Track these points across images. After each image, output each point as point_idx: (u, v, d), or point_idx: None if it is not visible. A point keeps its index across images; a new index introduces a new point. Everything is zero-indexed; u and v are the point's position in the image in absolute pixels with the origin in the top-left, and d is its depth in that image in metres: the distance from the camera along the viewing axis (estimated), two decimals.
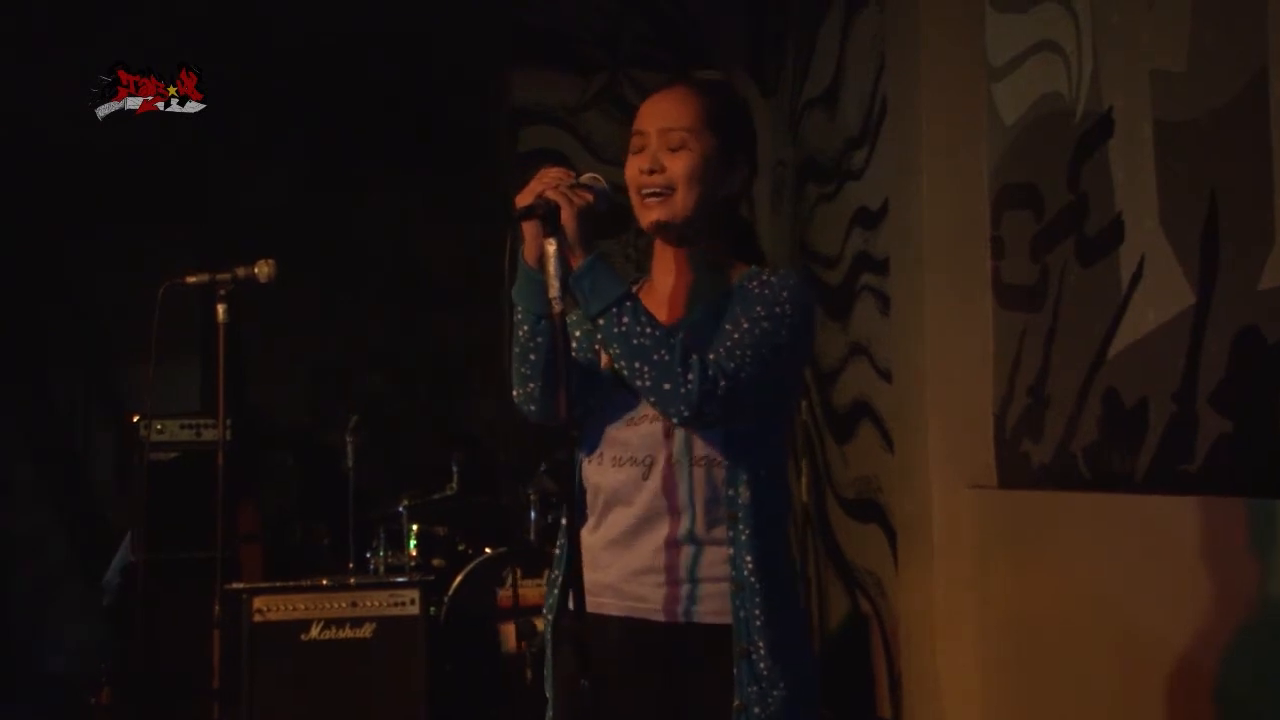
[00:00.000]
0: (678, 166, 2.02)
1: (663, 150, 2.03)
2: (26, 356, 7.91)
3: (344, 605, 4.63)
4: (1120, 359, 3.13)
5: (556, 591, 2.09)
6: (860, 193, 4.97)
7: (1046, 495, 3.52)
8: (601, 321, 1.92)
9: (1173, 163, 2.88)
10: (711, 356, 1.91)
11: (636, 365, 1.90)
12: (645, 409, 2.00)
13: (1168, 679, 2.76)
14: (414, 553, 5.49)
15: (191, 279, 3.82)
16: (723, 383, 1.89)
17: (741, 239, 2.16)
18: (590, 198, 1.94)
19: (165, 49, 5.99)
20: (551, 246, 1.90)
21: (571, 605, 1.84)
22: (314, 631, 4.59)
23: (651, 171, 2.03)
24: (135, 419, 6.16)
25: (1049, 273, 3.55)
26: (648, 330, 1.90)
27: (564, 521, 2.08)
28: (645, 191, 2.04)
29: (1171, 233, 2.88)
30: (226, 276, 3.81)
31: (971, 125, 3.97)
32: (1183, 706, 2.71)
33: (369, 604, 4.64)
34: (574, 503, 2.03)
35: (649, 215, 2.05)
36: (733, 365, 1.91)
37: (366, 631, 4.61)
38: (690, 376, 1.87)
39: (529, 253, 1.98)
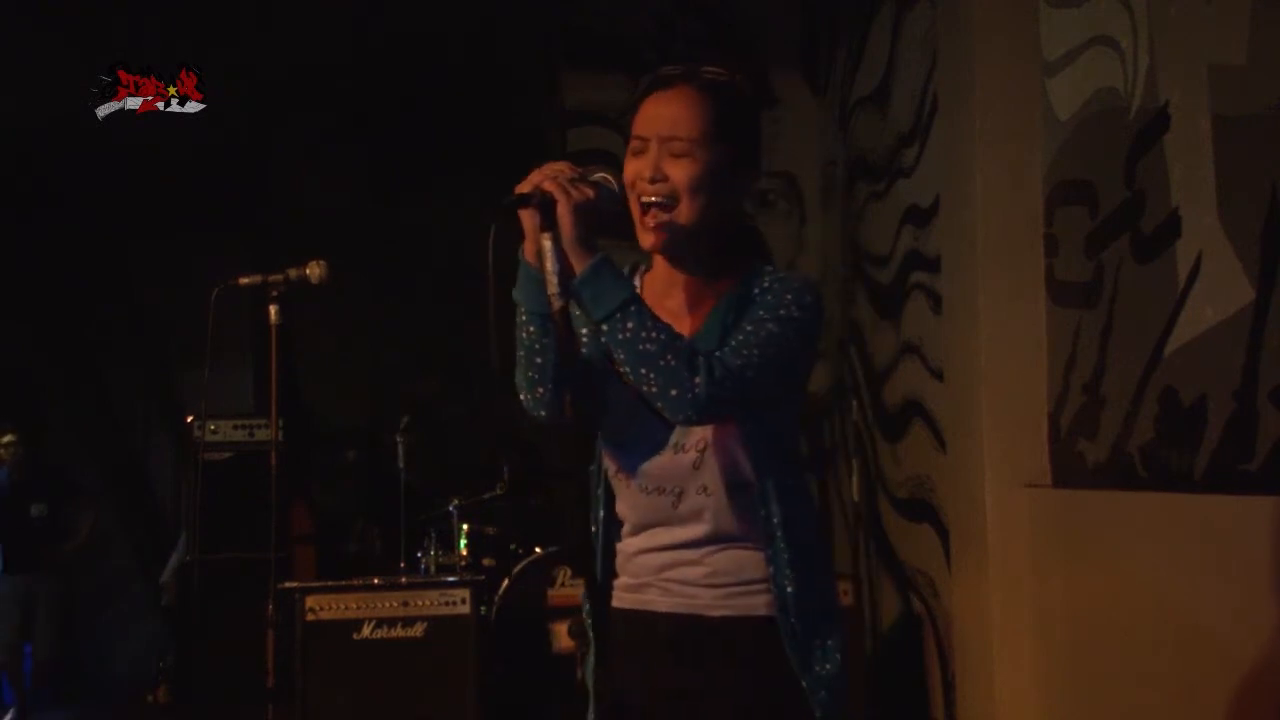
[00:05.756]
0: (681, 175, 1.93)
1: (665, 157, 1.94)
2: (88, 361, 8.03)
3: (395, 605, 4.65)
4: (1178, 356, 3.09)
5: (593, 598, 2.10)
6: (911, 190, 4.94)
7: (1102, 495, 3.47)
8: (605, 328, 1.86)
9: (1231, 158, 2.83)
10: (716, 354, 1.87)
11: (643, 371, 1.85)
12: (670, 441, 1.97)
13: (1228, 681, 2.72)
14: (465, 552, 5.51)
15: (244, 281, 3.84)
16: (729, 383, 1.84)
17: (747, 242, 2.07)
18: (591, 194, 1.87)
19: (219, 51, 6.06)
20: (548, 241, 1.84)
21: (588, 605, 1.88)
22: (366, 631, 4.62)
23: (654, 180, 1.94)
24: (189, 420, 6.24)
25: (1104, 270, 3.51)
26: (653, 335, 1.84)
27: (593, 529, 2.08)
28: (646, 200, 1.95)
29: (1230, 229, 2.84)
30: (278, 278, 3.83)
31: (1025, 121, 3.92)
32: (1244, 709, 2.66)
33: (420, 603, 4.66)
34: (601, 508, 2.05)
35: (648, 237, 1.97)
36: (739, 363, 1.87)
37: (418, 631, 4.63)
38: (698, 380, 1.83)
39: (529, 249, 1.92)
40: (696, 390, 1.83)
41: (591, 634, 2.07)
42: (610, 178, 1.94)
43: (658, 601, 2.03)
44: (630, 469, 2.02)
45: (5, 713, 7.03)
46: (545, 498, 5.85)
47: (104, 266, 7.69)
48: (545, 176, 1.88)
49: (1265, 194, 2.67)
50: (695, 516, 1.99)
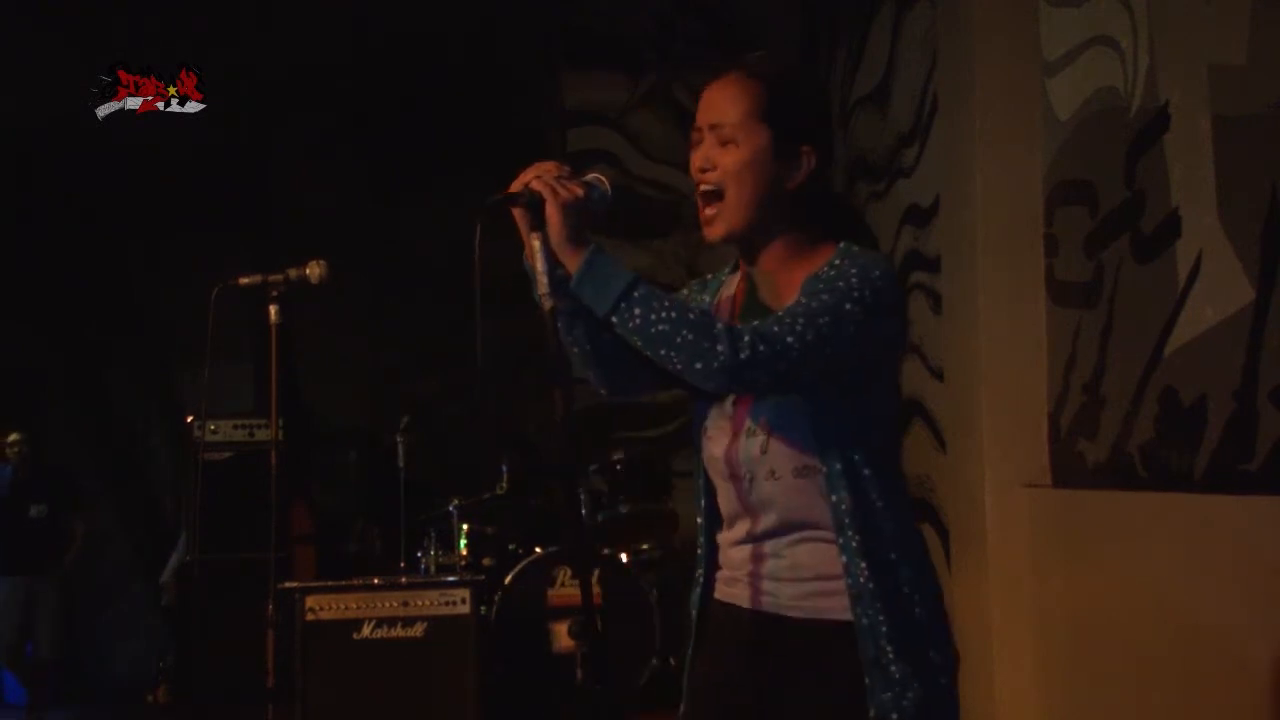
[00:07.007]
0: (727, 161, 1.93)
1: (714, 146, 1.95)
2: (88, 361, 8.03)
3: (395, 605, 4.65)
4: (1178, 356, 3.09)
5: (698, 589, 2.09)
6: (911, 190, 4.94)
7: (1102, 495, 3.47)
8: (614, 320, 1.83)
9: (1232, 158, 2.83)
10: (755, 322, 1.83)
11: (662, 353, 1.82)
12: (743, 425, 1.94)
13: (1228, 680, 2.72)
14: (465, 552, 5.51)
15: (244, 281, 3.84)
16: (762, 347, 1.78)
17: (831, 220, 2.00)
18: (579, 192, 1.85)
19: (219, 51, 6.06)
20: (537, 241, 1.84)
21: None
22: (366, 630, 4.62)
23: (704, 169, 1.95)
24: (189, 420, 6.24)
25: (1104, 270, 3.51)
26: (663, 315, 1.81)
27: (699, 520, 2.07)
28: (702, 189, 1.96)
29: (1230, 228, 2.84)
30: (278, 278, 3.82)
31: (1025, 121, 3.92)
32: (1244, 708, 2.66)
33: (420, 603, 4.66)
34: (704, 506, 2.03)
35: (706, 229, 1.97)
36: (777, 329, 1.80)
37: (418, 631, 4.63)
38: (719, 347, 1.78)
39: (528, 251, 1.90)
40: (721, 358, 1.78)
41: (693, 628, 2.07)
42: (603, 177, 1.93)
43: (742, 597, 1.99)
44: (712, 454, 2.00)
45: (26, 714, 7.04)
46: (545, 498, 5.85)
47: (104, 266, 7.68)
48: (533, 175, 1.87)
49: (1265, 194, 2.67)
50: (767, 504, 1.93)
